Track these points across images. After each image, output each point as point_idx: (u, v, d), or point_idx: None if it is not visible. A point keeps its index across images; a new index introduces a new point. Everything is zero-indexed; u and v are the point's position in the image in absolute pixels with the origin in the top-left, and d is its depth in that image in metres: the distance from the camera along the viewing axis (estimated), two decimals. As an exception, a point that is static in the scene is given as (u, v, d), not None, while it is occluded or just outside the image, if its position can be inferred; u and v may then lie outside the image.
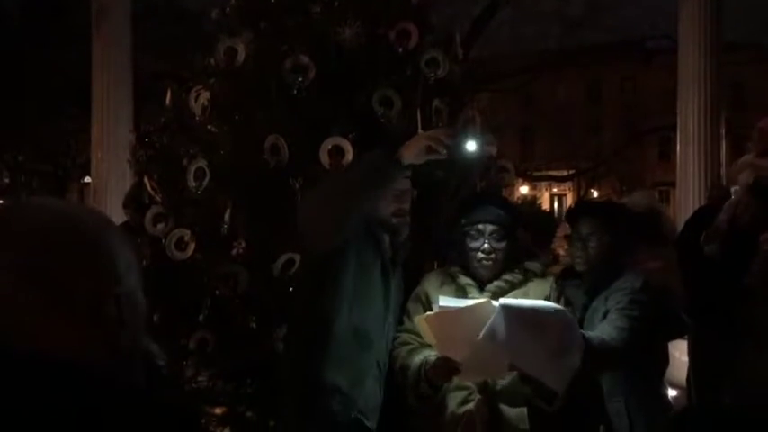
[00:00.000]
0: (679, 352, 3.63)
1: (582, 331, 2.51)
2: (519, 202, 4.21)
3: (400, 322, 2.70)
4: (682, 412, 3.16)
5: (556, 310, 2.43)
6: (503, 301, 2.37)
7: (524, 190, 24.49)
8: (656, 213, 3.43)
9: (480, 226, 2.63)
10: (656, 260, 3.13)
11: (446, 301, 2.49)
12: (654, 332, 2.75)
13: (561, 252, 3.16)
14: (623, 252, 2.86)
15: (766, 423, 1.53)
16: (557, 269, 3.06)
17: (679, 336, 3.20)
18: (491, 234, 2.62)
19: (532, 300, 2.51)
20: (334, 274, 2.52)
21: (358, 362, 2.57)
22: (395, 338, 2.68)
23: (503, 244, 2.62)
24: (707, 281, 3.05)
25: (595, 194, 23.67)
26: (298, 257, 2.97)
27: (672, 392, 3.59)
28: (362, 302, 2.57)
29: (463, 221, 2.68)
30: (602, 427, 2.70)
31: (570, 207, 3.44)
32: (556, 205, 28.19)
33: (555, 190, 30.01)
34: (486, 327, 2.28)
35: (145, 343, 1.02)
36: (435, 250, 2.89)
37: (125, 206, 4.30)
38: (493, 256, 2.62)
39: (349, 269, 2.53)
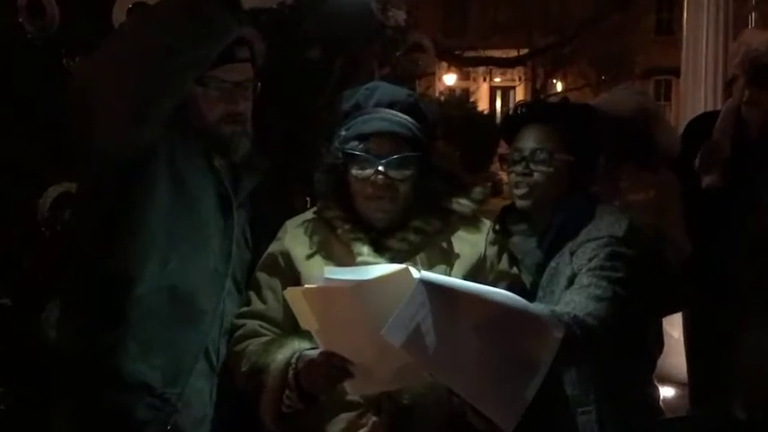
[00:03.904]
0: (678, 332, 3.18)
1: (547, 306, 2.02)
2: (442, 99, 3.79)
3: (246, 302, 2.25)
4: (677, 425, 2.80)
5: (508, 297, 1.92)
6: (425, 274, 1.87)
7: (451, 80, 21.90)
8: (648, 118, 2.82)
9: (373, 143, 2.13)
10: (645, 191, 2.64)
11: (335, 273, 1.97)
12: (645, 302, 2.26)
13: (505, 178, 2.66)
14: (594, 179, 2.39)
15: None
16: (497, 205, 2.48)
17: (680, 306, 2.77)
18: (390, 156, 2.12)
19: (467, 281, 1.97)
20: (135, 199, 2.07)
21: (177, 344, 2.16)
22: (236, 326, 2.22)
23: (409, 172, 2.15)
24: (705, 225, 2.65)
25: (559, 88, 21.83)
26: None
27: (668, 392, 3.37)
28: (185, 250, 2.14)
29: (345, 134, 2.16)
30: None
31: (507, 113, 2.96)
32: (499, 104, 26.12)
33: (498, 80, 27.78)
34: (395, 315, 1.79)
35: None
36: (307, 180, 2.41)
37: None
38: (391, 192, 2.14)
39: (158, 194, 2.09)
